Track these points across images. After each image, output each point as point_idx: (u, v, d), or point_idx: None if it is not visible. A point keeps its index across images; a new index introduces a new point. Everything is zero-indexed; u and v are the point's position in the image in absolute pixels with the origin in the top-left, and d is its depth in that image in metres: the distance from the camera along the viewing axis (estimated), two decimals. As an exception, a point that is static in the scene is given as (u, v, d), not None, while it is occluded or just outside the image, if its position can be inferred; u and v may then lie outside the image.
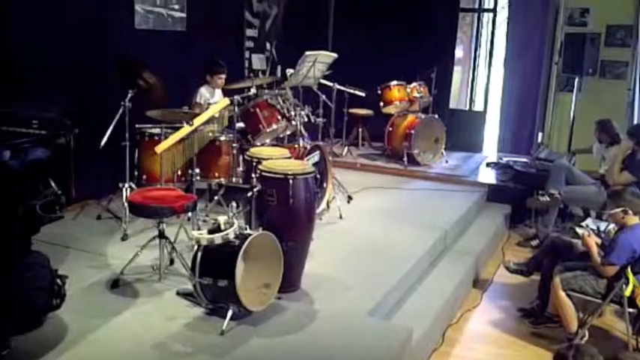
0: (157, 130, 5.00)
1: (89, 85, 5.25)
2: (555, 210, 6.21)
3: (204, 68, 5.89)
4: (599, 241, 4.40)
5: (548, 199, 6.05)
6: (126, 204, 4.53)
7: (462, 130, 8.52)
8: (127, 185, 4.83)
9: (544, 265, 4.67)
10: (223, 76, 5.80)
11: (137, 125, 4.96)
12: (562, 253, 4.65)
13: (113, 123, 4.68)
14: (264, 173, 3.85)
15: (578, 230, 4.67)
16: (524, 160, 7.50)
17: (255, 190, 3.79)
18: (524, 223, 6.79)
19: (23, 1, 4.77)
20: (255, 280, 3.56)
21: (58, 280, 3.29)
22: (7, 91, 4.46)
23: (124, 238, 4.59)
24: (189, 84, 6.04)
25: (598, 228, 4.96)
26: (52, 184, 3.18)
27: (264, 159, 4.15)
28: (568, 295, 4.23)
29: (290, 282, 3.87)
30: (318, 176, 4.13)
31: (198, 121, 4.52)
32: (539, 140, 8.45)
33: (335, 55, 5.92)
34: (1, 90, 4.43)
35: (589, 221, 5.58)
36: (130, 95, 4.74)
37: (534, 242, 6.22)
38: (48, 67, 4.95)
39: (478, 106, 9.11)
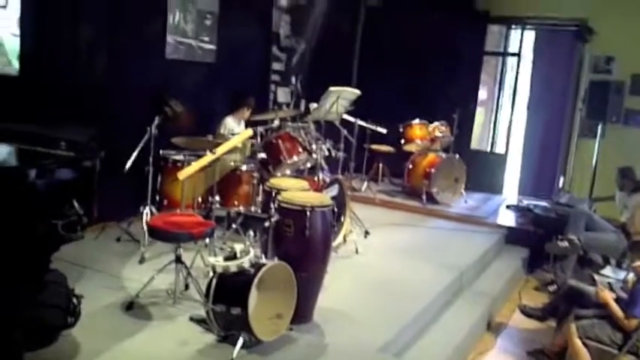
0: (180, 157, 5.10)
1: (117, 110, 5.40)
2: (574, 256, 6.14)
3: (232, 99, 6.03)
4: (613, 295, 4.34)
5: (567, 244, 5.99)
6: (145, 227, 4.59)
7: (482, 171, 8.53)
8: (147, 209, 4.91)
9: (560, 311, 4.61)
10: (250, 108, 5.95)
11: (161, 151, 5.07)
12: (579, 300, 4.59)
13: (138, 148, 4.79)
14: (282, 204, 3.89)
15: (591, 288, 4.62)
16: (544, 204, 7.46)
17: (272, 220, 3.83)
18: (542, 268, 6.71)
19: (56, 24, 4.94)
20: (268, 310, 3.57)
21: (74, 299, 3.35)
22: (37, 112, 4.61)
23: (142, 261, 4.65)
24: (215, 114, 6.18)
25: (610, 284, 4.87)
26: (76, 204, 3.26)
27: (283, 190, 4.21)
28: (584, 344, 4.16)
29: (302, 313, 3.87)
30: (336, 209, 4.16)
31: (220, 150, 4.60)
32: (561, 185, 8.41)
33: (358, 92, 6.01)
34: (31, 111, 4.57)
35: (608, 269, 5.52)
36: (156, 122, 4.85)
37: (552, 288, 6.14)
38: (79, 91, 5.10)
39: (500, 148, 9.13)
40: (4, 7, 4.58)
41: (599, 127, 7.82)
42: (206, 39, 6.50)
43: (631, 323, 4.04)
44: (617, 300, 4.26)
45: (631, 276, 4.72)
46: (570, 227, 6.11)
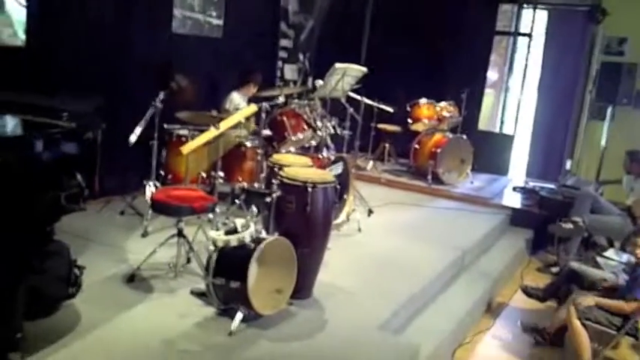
0: (184, 132, 5.11)
1: (123, 84, 5.40)
2: (578, 238, 6.13)
3: (239, 75, 6.01)
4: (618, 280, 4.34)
5: (571, 226, 5.97)
6: (149, 201, 4.62)
7: (489, 152, 8.47)
8: (151, 183, 4.94)
9: (561, 292, 4.62)
10: (257, 85, 5.94)
11: (166, 125, 5.07)
12: (580, 282, 4.59)
13: (143, 122, 4.79)
14: (284, 180, 3.89)
15: (592, 270, 4.65)
16: (550, 186, 7.42)
17: (274, 195, 3.84)
18: (545, 250, 6.70)
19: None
20: (268, 285, 3.59)
21: (76, 270, 3.39)
22: (42, 83, 4.62)
23: (145, 234, 4.69)
24: (221, 89, 6.17)
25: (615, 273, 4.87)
26: (78, 176, 3.28)
27: (285, 166, 4.21)
28: (583, 325, 4.17)
29: (302, 289, 3.89)
30: (339, 187, 4.16)
31: (224, 125, 4.60)
32: (568, 167, 8.36)
33: (364, 69, 5.96)
34: (36, 82, 4.59)
35: (611, 252, 5.51)
36: (161, 96, 4.84)
37: (555, 269, 6.13)
38: (85, 64, 5.11)
39: (508, 130, 9.05)
40: (11, -23, 4.58)
41: (609, 110, 7.74)
42: (213, 14, 6.47)
43: (631, 305, 4.04)
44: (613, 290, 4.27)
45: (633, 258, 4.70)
46: (575, 209, 6.09)
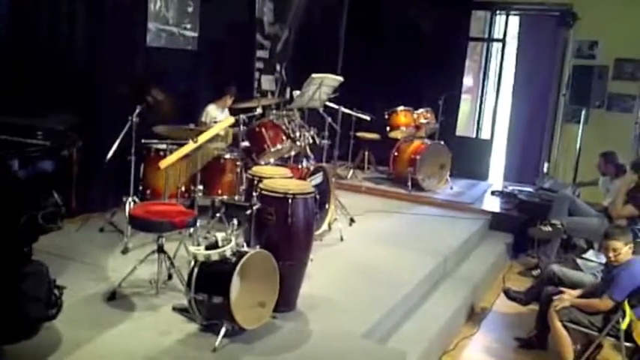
0: (162, 146, 5.07)
1: (98, 99, 5.36)
2: (557, 240, 6.19)
3: (214, 87, 6.00)
4: (576, 292, 4.39)
5: (550, 229, 6.03)
6: (128, 217, 4.57)
7: (468, 158, 8.55)
8: (130, 199, 4.89)
9: (542, 295, 4.65)
10: (233, 96, 5.93)
11: (143, 140, 5.03)
12: (561, 284, 4.63)
13: (120, 137, 4.76)
14: (264, 192, 3.88)
15: (572, 272, 4.73)
16: (528, 189, 7.50)
17: (254, 208, 3.82)
18: (526, 253, 6.76)
19: (33, 13, 4.86)
20: (251, 298, 3.57)
21: (56, 291, 3.32)
22: (15, 102, 4.56)
23: (125, 251, 4.63)
24: (198, 102, 6.15)
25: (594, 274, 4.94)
26: (55, 195, 3.23)
27: (265, 178, 4.20)
28: (564, 327, 4.21)
29: (286, 301, 3.87)
30: (319, 197, 4.16)
31: (202, 138, 4.58)
32: (545, 170, 8.46)
33: (341, 78, 5.98)
34: (8, 100, 4.52)
35: (591, 253, 5.57)
36: (137, 111, 4.82)
37: (536, 272, 6.19)
38: (58, 80, 5.06)
39: (485, 134, 9.15)
40: (-20, -5, 4.52)
41: (583, 112, 7.86)
42: (188, 26, 6.45)
43: (605, 303, 4.09)
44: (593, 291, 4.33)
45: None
46: (553, 212, 6.16)
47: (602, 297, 4.14)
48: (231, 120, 4.95)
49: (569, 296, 4.32)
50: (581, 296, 4.37)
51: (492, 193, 7.91)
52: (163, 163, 4.41)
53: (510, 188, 7.76)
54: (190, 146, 4.48)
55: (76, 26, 5.18)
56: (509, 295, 5.06)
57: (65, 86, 5.11)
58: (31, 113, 4.24)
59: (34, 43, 4.89)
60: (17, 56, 4.78)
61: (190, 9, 6.44)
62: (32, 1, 4.84)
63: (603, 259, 5.08)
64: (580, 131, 7.88)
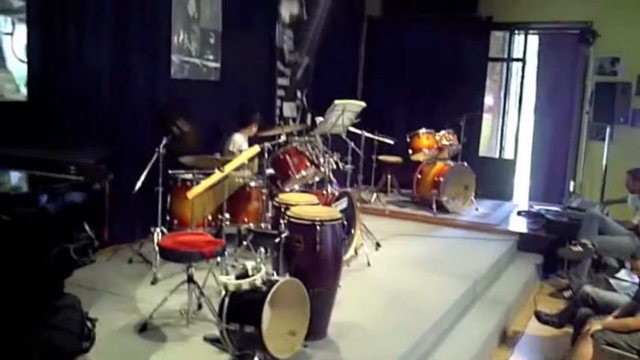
0: (189, 176, 5.11)
1: (125, 132, 5.44)
2: (588, 260, 6.08)
3: (239, 116, 6.07)
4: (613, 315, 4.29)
5: (580, 249, 5.92)
6: (156, 248, 4.60)
7: (492, 178, 8.49)
8: (158, 229, 4.92)
9: (576, 317, 4.56)
10: (258, 124, 6.00)
11: (170, 171, 5.09)
12: (595, 306, 4.54)
13: (147, 169, 4.81)
14: (291, 219, 3.88)
15: (606, 293, 4.61)
16: (555, 208, 7.41)
17: (282, 235, 3.82)
18: (556, 274, 6.66)
19: (61, 48, 4.98)
20: (282, 327, 3.55)
21: (88, 323, 3.35)
22: (46, 137, 4.65)
23: (154, 282, 4.65)
24: (222, 131, 6.21)
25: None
26: (87, 228, 3.27)
27: (292, 205, 4.20)
28: (602, 350, 4.10)
29: (316, 330, 3.84)
30: (346, 223, 4.15)
31: (228, 168, 4.61)
32: (571, 189, 8.36)
33: (363, 104, 6.01)
34: (41, 136, 4.62)
35: (623, 273, 5.46)
36: (164, 142, 4.88)
37: (567, 293, 6.07)
38: (86, 114, 5.17)
39: (508, 154, 9.09)
40: (11, 34, 4.63)
41: (608, 130, 7.79)
42: (210, 57, 6.55)
43: (637, 321, 3.98)
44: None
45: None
46: (583, 231, 6.06)
47: (637, 315, 4.04)
48: (257, 149, 4.98)
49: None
50: (616, 317, 4.28)
51: (519, 213, 7.83)
52: (191, 194, 4.45)
53: (537, 208, 7.67)
54: (217, 176, 4.51)
55: (102, 60, 5.28)
56: (541, 318, 4.97)
57: (93, 120, 5.21)
58: (62, 147, 4.33)
59: (64, 80, 4.99)
60: (47, 93, 4.88)
61: (212, 40, 6.54)
62: (61, 40, 4.94)
63: (637, 279, 4.99)
64: (605, 148, 7.80)
